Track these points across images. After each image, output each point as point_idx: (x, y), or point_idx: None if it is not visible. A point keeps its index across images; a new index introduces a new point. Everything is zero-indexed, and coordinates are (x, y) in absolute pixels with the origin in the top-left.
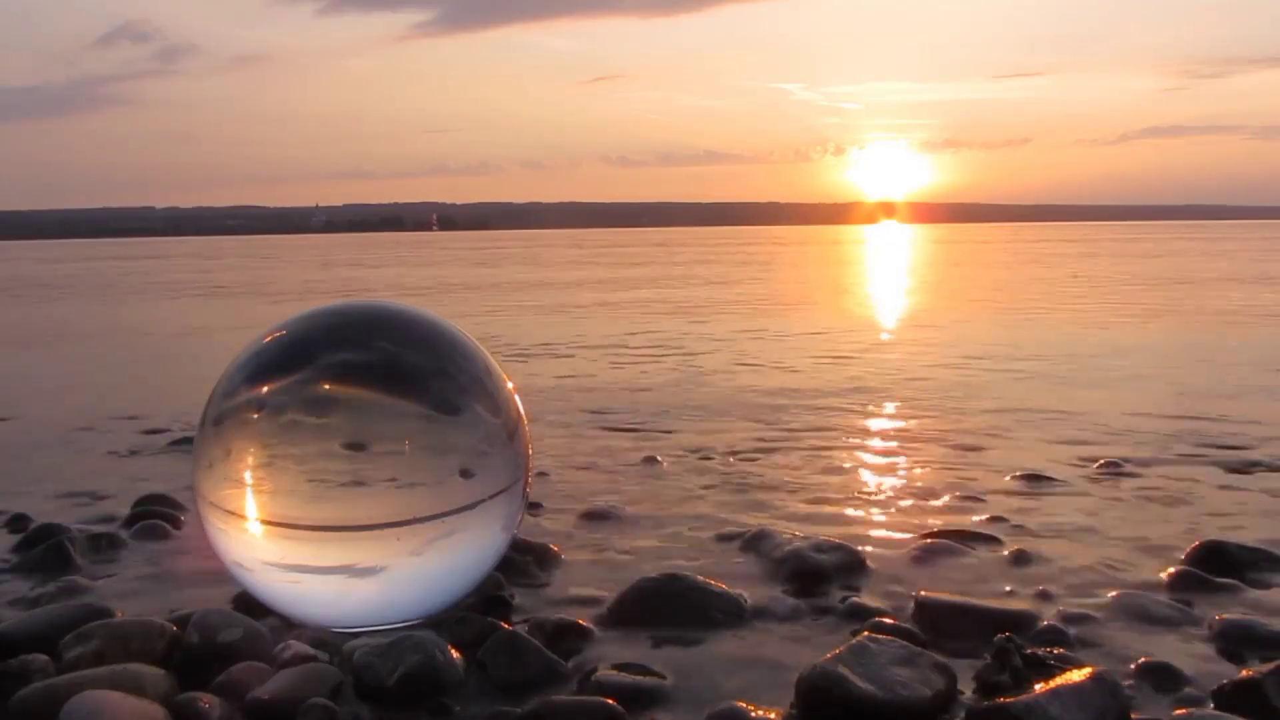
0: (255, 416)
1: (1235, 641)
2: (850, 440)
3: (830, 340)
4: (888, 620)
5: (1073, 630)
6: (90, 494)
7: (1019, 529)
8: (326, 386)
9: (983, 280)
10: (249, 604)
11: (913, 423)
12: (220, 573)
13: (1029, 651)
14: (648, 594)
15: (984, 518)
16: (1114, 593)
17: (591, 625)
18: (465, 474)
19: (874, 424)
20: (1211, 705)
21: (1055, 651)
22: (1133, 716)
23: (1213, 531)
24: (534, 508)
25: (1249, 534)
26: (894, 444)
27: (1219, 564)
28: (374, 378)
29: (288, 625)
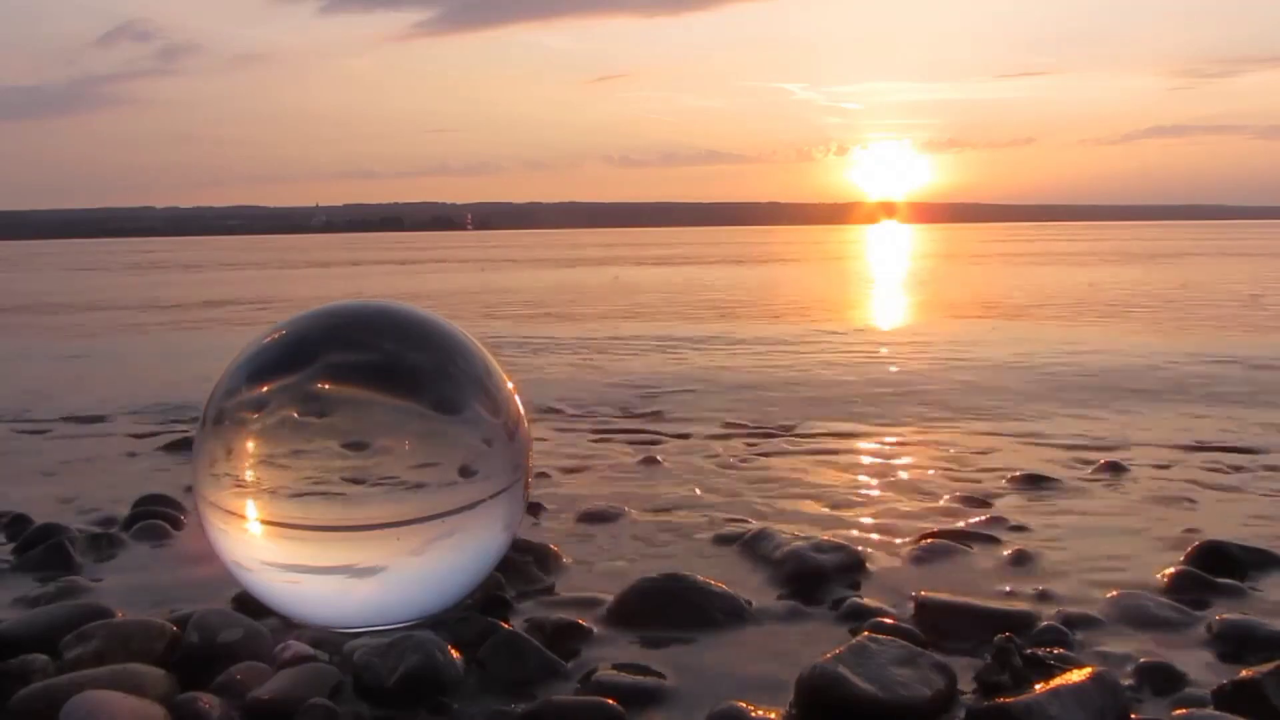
0: (255, 416)
1: (1235, 641)
2: (850, 440)
3: (831, 342)
4: (888, 620)
5: (1073, 630)
6: (90, 494)
7: (1019, 529)
8: (326, 386)
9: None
10: (249, 604)
11: (913, 423)
12: (220, 573)
13: (1029, 651)
14: (648, 594)
15: (984, 518)
16: (1114, 593)
17: (591, 625)
18: (465, 474)
19: (874, 424)
20: (1211, 705)
21: (1055, 651)
22: (1133, 717)
23: (1213, 531)
24: (534, 508)
25: (1249, 534)
26: (894, 444)
27: (1219, 564)
28: (374, 377)
29: (288, 625)
